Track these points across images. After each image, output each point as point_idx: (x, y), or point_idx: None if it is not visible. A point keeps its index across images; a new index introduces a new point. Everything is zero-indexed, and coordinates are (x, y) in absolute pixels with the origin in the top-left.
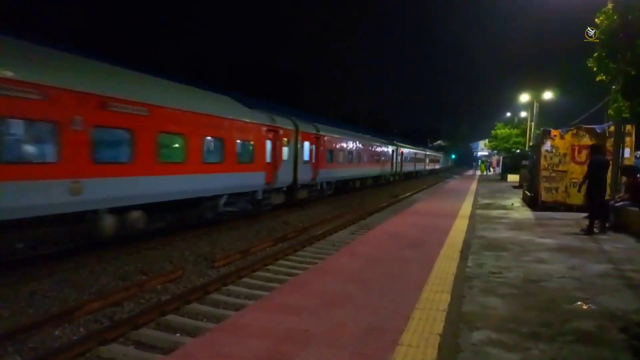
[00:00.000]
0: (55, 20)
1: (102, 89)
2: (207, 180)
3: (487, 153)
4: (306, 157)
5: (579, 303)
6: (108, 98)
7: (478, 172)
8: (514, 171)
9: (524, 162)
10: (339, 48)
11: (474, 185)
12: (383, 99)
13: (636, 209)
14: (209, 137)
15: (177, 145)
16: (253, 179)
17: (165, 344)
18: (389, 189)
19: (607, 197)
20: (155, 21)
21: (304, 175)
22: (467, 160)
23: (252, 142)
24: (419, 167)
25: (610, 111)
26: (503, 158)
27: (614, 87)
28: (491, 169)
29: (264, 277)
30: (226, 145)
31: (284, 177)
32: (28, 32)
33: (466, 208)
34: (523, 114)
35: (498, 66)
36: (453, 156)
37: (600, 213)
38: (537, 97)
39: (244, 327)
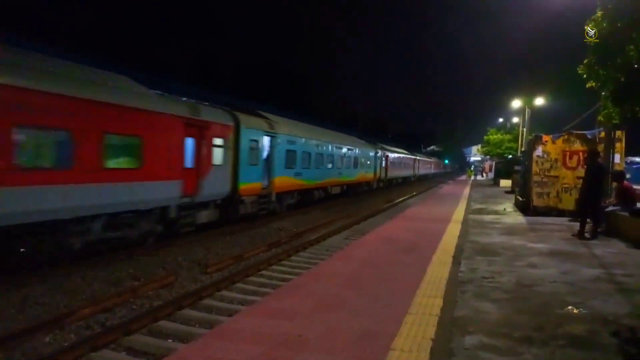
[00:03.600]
0: (58, 19)
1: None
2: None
3: (479, 158)
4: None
5: (571, 307)
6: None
7: (472, 177)
8: (506, 176)
9: (516, 168)
10: (338, 52)
11: (467, 190)
12: (378, 103)
13: (626, 213)
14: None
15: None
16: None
17: (157, 350)
18: (384, 195)
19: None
20: (161, 22)
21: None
22: (462, 166)
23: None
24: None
25: (600, 117)
26: (496, 163)
27: (603, 93)
28: (484, 174)
29: (258, 282)
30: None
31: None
32: (32, 31)
33: (459, 213)
34: (515, 120)
35: (491, 72)
36: (447, 161)
37: (599, 218)
38: (529, 103)
39: (237, 333)
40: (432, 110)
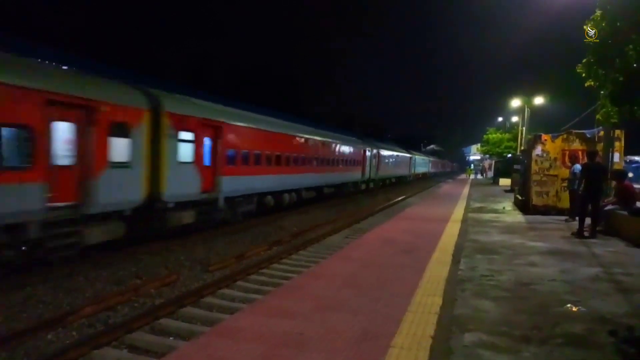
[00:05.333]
0: (53, 19)
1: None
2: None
3: (479, 157)
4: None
5: (569, 306)
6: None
7: (472, 177)
8: (505, 175)
9: (516, 167)
10: (338, 53)
11: (466, 190)
12: (377, 103)
13: (625, 212)
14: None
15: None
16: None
17: (159, 347)
18: (384, 194)
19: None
20: (155, 23)
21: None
22: (462, 165)
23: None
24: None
25: (598, 116)
26: (495, 162)
27: (602, 92)
28: (483, 174)
29: (259, 281)
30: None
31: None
32: (26, 32)
33: (458, 212)
34: (514, 119)
35: (491, 72)
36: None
37: (599, 217)
38: (528, 102)
39: (238, 331)
40: (431, 110)
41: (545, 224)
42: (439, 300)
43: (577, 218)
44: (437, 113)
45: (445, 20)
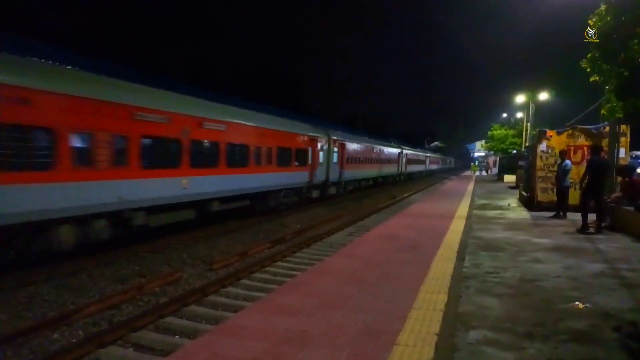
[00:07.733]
0: (55, 19)
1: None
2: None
3: (483, 154)
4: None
5: (578, 303)
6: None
7: (477, 173)
8: (510, 172)
9: (520, 163)
10: (339, 51)
11: (470, 186)
12: (380, 101)
13: (631, 208)
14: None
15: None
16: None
17: (163, 345)
18: (387, 191)
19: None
20: (157, 24)
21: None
22: (466, 162)
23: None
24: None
25: (603, 111)
26: (500, 159)
27: (607, 87)
28: (488, 171)
29: (262, 278)
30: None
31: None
32: (28, 32)
33: (463, 209)
34: (519, 115)
35: (495, 68)
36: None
37: (603, 213)
38: (533, 98)
39: (242, 329)
40: (435, 107)
41: (550, 220)
42: (443, 297)
43: (561, 214)
44: (440, 109)
45: (447, 16)
